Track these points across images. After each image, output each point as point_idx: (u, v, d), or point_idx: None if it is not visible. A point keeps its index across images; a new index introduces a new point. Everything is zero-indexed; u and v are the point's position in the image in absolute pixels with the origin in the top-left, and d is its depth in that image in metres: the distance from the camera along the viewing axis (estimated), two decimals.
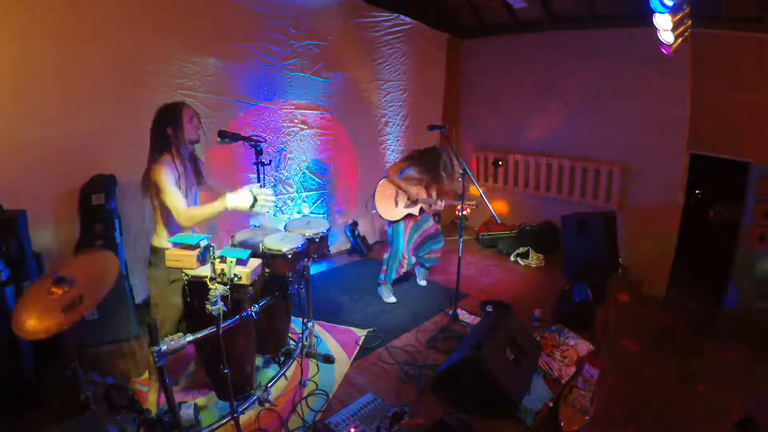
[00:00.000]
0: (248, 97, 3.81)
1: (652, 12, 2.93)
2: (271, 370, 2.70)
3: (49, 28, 2.64)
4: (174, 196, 1.98)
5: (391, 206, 3.66)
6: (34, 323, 1.57)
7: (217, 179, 2.51)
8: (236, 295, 2.00)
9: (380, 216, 3.70)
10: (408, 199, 3.65)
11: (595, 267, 4.08)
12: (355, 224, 4.99)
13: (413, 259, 3.91)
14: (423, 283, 4.14)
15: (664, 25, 3.01)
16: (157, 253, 2.11)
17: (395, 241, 3.72)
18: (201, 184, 2.33)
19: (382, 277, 3.84)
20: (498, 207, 5.74)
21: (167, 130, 2.07)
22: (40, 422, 2.06)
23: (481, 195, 3.21)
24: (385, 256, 3.83)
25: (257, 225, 3.36)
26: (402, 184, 3.60)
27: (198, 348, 2.29)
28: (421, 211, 3.76)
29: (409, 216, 3.71)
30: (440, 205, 3.62)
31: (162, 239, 2.11)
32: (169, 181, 1.98)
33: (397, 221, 3.67)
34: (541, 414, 2.34)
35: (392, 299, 3.80)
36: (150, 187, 2.05)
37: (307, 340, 2.83)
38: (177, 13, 3.18)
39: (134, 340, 2.78)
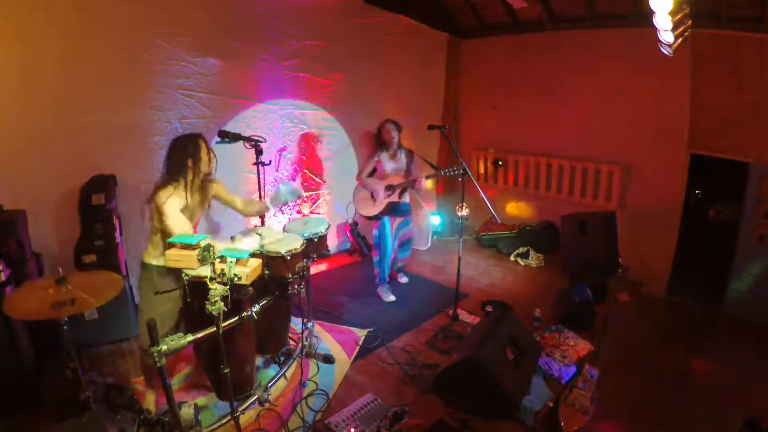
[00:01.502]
0: (248, 97, 3.81)
1: (652, 12, 2.93)
2: (271, 370, 2.71)
3: (49, 28, 2.65)
4: (178, 224, 2.03)
5: (369, 203, 3.72)
6: (18, 302, 1.65)
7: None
8: (236, 295, 2.00)
9: (366, 217, 3.77)
10: (385, 191, 3.69)
11: (595, 267, 4.08)
12: (355, 224, 4.99)
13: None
14: (405, 279, 4.22)
15: (664, 25, 3.01)
16: (144, 268, 2.19)
17: (383, 242, 3.77)
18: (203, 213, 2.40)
19: (377, 279, 3.90)
20: (498, 207, 5.74)
21: (187, 161, 2.12)
22: (40, 422, 2.07)
23: (481, 194, 3.21)
24: (375, 258, 3.87)
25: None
26: (369, 182, 3.70)
27: (198, 348, 2.29)
28: (405, 211, 3.80)
29: (393, 215, 3.74)
30: (421, 183, 3.63)
31: (150, 256, 2.17)
32: (174, 208, 2.04)
33: (383, 221, 3.71)
34: (541, 414, 2.34)
35: (392, 297, 3.82)
36: (153, 209, 2.11)
37: (307, 340, 2.83)
38: (177, 13, 3.18)
39: (134, 340, 2.78)
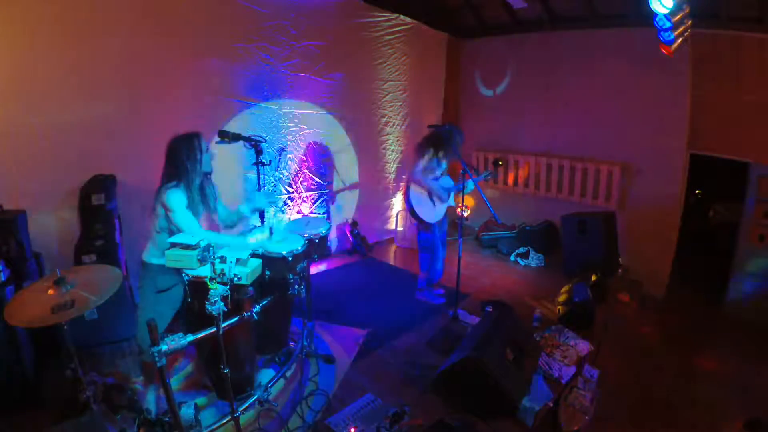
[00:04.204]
0: (248, 97, 3.81)
1: (652, 12, 2.94)
2: (271, 370, 2.70)
3: (50, 29, 2.65)
4: (188, 218, 2.06)
5: (429, 206, 3.54)
6: (19, 310, 1.62)
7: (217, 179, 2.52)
8: (236, 295, 2.00)
9: (421, 221, 3.53)
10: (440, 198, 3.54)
11: (595, 267, 4.08)
12: (355, 224, 4.99)
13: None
14: (441, 301, 3.83)
15: (664, 25, 3.01)
16: (145, 267, 2.17)
17: (436, 246, 3.65)
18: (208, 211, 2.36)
19: (423, 284, 3.79)
20: (498, 207, 5.73)
21: (185, 161, 2.11)
22: (40, 422, 2.06)
23: (480, 194, 3.21)
24: (426, 263, 3.74)
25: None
26: (432, 187, 3.45)
27: (198, 348, 2.29)
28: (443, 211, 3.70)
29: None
30: (471, 187, 3.43)
31: (151, 255, 2.16)
32: (181, 204, 2.06)
33: (434, 225, 3.59)
34: (541, 414, 2.33)
35: (442, 298, 3.76)
36: (156, 208, 2.10)
37: (307, 340, 2.83)
38: (177, 13, 3.18)
39: (134, 340, 2.78)
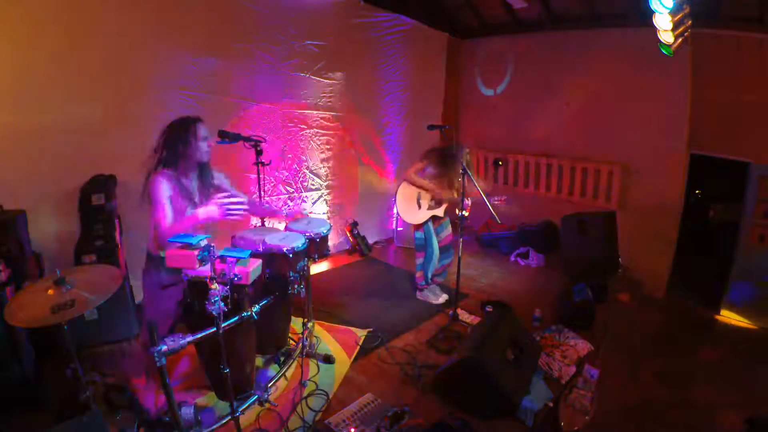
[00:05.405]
0: (248, 97, 3.81)
1: (652, 12, 2.94)
2: (271, 370, 2.70)
3: (50, 28, 2.65)
4: (161, 211, 1.96)
5: (413, 209, 3.56)
6: (19, 310, 1.62)
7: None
8: (236, 295, 2.00)
9: (404, 220, 3.62)
10: (432, 198, 3.54)
11: (595, 267, 4.08)
12: (355, 224, 4.99)
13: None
14: (441, 300, 3.78)
15: (664, 25, 3.02)
16: (150, 258, 2.13)
17: (429, 244, 3.65)
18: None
19: (422, 282, 3.77)
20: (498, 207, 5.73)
21: (177, 146, 2.05)
22: (40, 422, 2.07)
23: (481, 194, 3.21)
24: (419, 261, 3.73)
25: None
26: (424, 182, 3.50)
27: (198, 348, 2.29)
28: (444, 215, 3.68)
29: (433, 218, 3.62)
30: (467, 203, 3.35)
31: (156, 247, 2.10)
32: (161, 194, 1.98)
33: (426, 223, 3.60)
34: (541, 414, 2.34)
35: (443, 297, 3.75)
36: (145, 195, 2.06)
37: (307, 340, 2.83)
38: (177, 12, 3.18)
39: (134, 340, 2.78)
